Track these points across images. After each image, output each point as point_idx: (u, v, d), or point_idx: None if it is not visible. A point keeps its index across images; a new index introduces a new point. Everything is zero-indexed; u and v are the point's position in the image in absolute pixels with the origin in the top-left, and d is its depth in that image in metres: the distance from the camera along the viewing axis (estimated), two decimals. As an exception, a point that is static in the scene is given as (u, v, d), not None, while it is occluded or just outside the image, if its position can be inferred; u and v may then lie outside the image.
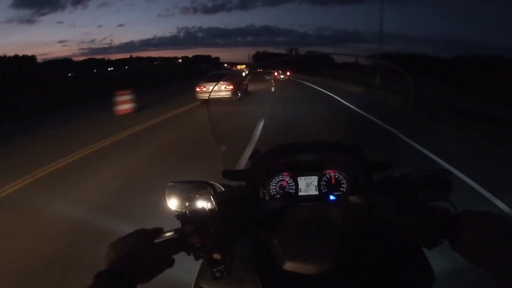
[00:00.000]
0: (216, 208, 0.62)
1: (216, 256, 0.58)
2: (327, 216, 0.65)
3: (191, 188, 0.76)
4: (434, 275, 0.66)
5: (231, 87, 10.27)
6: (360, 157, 0.76)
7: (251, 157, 0.79)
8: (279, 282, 0.63)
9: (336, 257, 0.62)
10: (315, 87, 18.04)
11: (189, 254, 0.55)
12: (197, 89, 10.34)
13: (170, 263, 0.54)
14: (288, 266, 0.63)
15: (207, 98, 9.12)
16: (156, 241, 0.53)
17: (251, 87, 14.51)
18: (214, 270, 0.59)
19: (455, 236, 0.51)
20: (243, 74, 16.31)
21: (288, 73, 29.98)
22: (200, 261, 0.59)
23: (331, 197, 0.73)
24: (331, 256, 0.62)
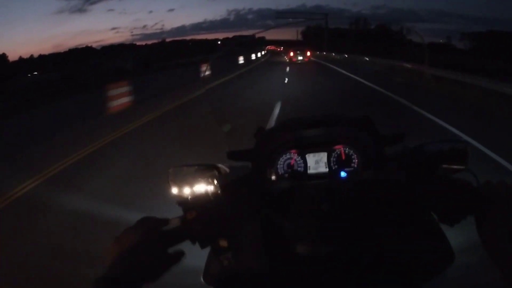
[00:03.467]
0: (219, 192, 0.67)
1: (223, 242, 0.63)
2: (338, 194, 0.69)
3: (195, 172, 0.81)
4: (453, 253, 0.68)
5: None
6: (371, 130, 0.78)
7: (255, 135, 0.82)
8: (290, 266, 0.67)
9: (349, 237, 0.66)
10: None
11: (194, 243, 0.59)
12: None
13: (177, 257, 0.56)
14: (300, 248, 0.67)
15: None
16: (160, 231, 0.56)
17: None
18: (221, 257, 0.65)
19: (478, 212, 0.54)
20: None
21: (308, 54, 25.74)
22: (209, 248, 0.63)
23: (342, 174, 0.77)
24: (344, 237, 0.66)
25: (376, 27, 75.73)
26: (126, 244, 0.53)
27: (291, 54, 25.74)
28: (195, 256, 0.67)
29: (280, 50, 60.98)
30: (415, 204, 0.66)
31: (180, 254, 0.57)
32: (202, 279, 0.73)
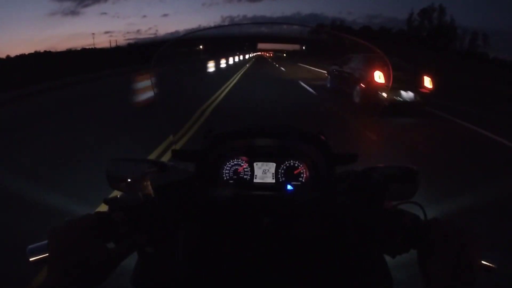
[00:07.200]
0: (153, 193, 0.65)
1: (149, 250, 0.61)
2: (282, 209, 0.70)
3: (133, 167, 0.78)
4: (392, 282, 0.71)
5: None
6: (324, 147, 0.79)
7: (204, 136, 0.83)
8: (217, 278, 0.68)
9: (287, 257, 0.68)
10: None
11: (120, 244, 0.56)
12: None
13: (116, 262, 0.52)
14: (236, 262, 0.68)
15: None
16: (85, 229, 0.51)
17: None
18: (149, 262, 0.65)
19: (422, 249, 0.56)
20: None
21: (428, 83, 7.72)
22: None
23: (289, 187, 0.79)
24: (282, 257, 0.68)
25: (432, 30, 53.87)
26: (66, 243, 0.51)
27: (378, 76, 7.36)
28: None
29: (269, 56, 44.90)
30: (358, 230, 0.66)
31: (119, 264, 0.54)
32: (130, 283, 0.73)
